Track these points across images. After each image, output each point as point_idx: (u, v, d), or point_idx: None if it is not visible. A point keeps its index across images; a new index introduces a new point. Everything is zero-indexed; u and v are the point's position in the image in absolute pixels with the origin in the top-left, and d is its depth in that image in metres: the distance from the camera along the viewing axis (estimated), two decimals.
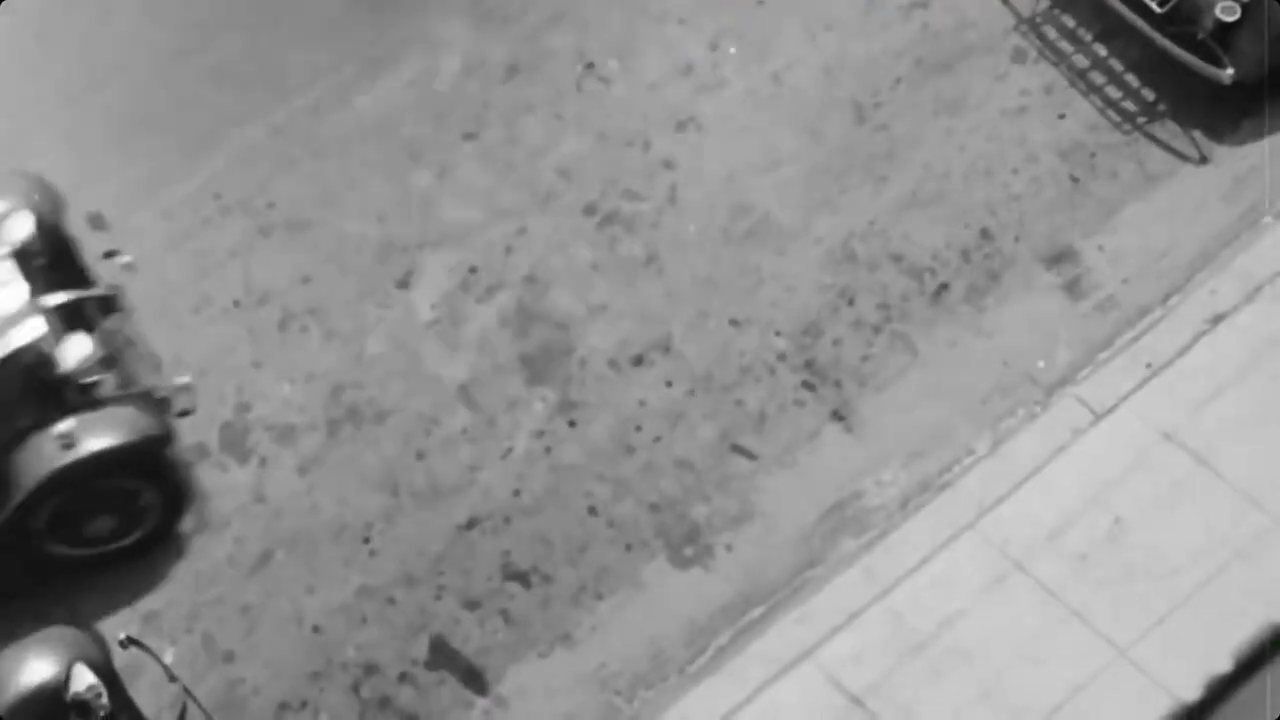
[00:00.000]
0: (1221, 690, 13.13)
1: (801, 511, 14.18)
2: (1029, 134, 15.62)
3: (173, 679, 12.75)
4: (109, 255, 14.57)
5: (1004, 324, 14.83)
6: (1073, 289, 14.98)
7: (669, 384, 14.73)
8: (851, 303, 14.99)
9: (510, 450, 14.46)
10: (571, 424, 14.59)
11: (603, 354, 14.88)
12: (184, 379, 14.20)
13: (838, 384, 14.67)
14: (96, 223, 14.75)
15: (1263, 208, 15.13)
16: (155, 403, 13.97)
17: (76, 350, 13.80)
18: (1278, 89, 15.31)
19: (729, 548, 14.10)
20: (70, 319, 13.96)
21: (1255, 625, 13.29)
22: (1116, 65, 15.83)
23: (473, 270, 14.91)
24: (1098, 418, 14.28)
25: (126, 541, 14.10)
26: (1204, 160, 15.41)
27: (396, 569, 14.06)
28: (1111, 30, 15.86)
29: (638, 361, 14.85)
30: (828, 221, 15.33)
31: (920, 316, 14.92)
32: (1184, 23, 15.19)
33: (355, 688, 13.68)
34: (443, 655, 13.78)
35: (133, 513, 14.01)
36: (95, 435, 13.68)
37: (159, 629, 13.86)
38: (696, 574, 14.03)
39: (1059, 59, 15.92)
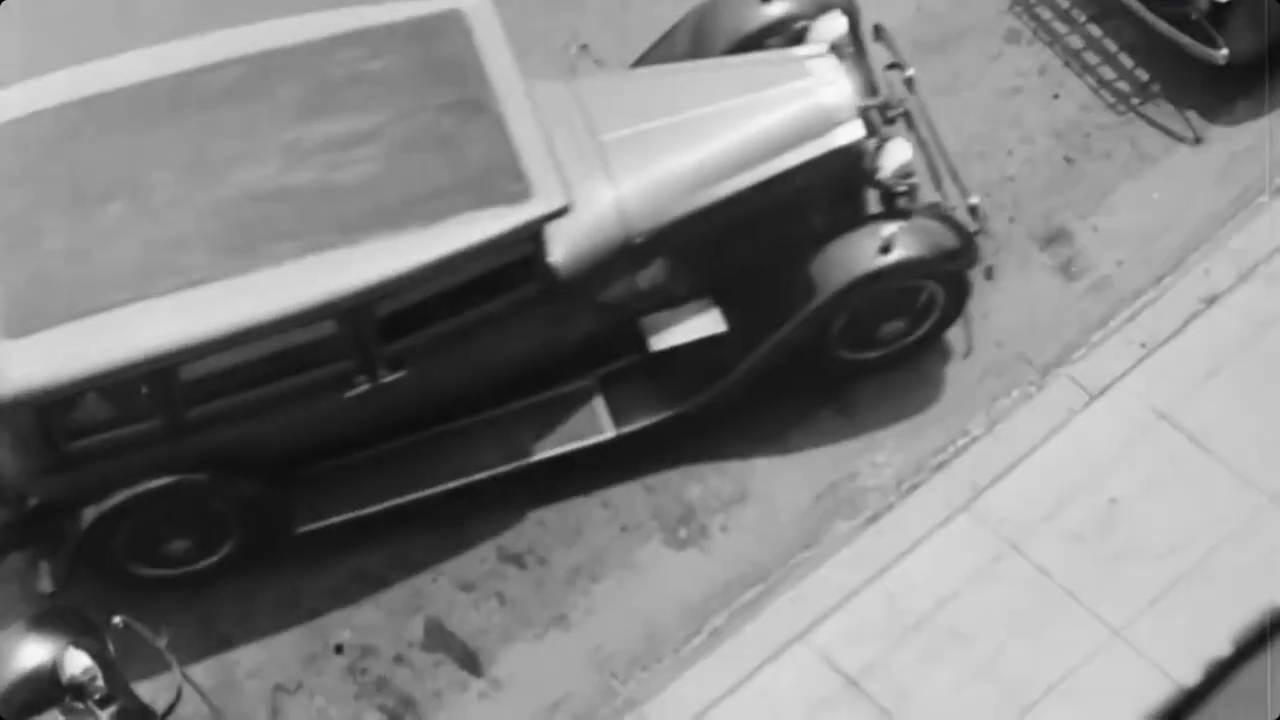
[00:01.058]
0: (1219, 671, 13.14)
1: (796, 493, 14.17)
2: (1023, 115, 15.59)
3: (169, 662, 12.75)
4: (892, 67, 14.32)
5: (998, 305, 14.80)
6: (1067, 270, 14.96)
7: None
8: None
9: None
10: None
11: None
12: (974, 199, 13.90)
13: None
14: (878, 34, 14.51)
15: (1257, 188, 15.12)
16: (946, 219, 13.79)
17: (897, 156, 13.57)
18: (1272, 69, 15.30)
19: (724, 529, 14.09)
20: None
21: (1251, 605, 13.30)
22: (1111, 46, 15.81)
23: None
24: (1092, 398, 14.27)
25: (907, 341, 14.15)
26: (1198, 141, 15.39)
27: (390, 551, 14.05)
28: (1106, 11, 15.83)
29: None
30: None
31: None
32: (1178, 3, 15.16)
33: (351, 669, 13.68)
34: (438, 637, 13.78)
35: (915, 314, 14.01)
36: (907, 244, 13.52)
37: None
38: (691, 555, 14.02)
39: (1053, 40, 15.89)
